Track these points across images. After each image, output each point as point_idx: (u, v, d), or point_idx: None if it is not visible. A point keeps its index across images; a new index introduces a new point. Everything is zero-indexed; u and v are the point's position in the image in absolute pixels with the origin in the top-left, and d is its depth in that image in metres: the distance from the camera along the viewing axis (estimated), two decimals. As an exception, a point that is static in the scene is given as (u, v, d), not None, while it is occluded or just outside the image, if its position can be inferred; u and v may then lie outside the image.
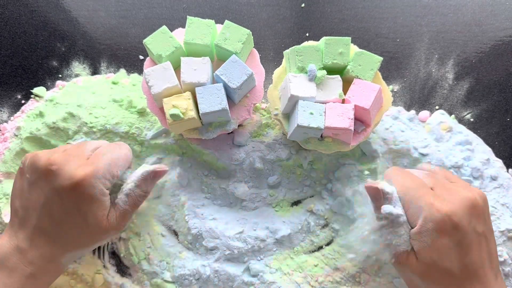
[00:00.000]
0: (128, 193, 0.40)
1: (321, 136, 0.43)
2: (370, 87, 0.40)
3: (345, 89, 0.42)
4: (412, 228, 0.36)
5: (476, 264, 0.34)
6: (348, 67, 0.42)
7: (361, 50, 0.42)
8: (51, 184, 0.36)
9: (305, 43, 0.43)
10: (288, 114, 0.44)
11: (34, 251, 0.37)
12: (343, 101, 0.42)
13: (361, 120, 0.42)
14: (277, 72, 0.46)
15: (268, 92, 0.45)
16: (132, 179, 0.40)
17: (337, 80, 0.42)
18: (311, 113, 0.40)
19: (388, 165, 0.48)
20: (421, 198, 0.36)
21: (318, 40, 0.55)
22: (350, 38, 0.42)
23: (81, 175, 0.36)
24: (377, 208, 0.38)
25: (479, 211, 0.36)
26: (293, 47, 0.42)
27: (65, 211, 0.37)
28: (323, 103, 0.41)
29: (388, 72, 0.54)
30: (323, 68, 0.42)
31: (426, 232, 0.35)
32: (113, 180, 0.39)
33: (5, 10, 0.57)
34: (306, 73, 0.42)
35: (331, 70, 0.42)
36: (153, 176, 0.41)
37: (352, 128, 0.40)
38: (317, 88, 0.41)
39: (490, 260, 0.36)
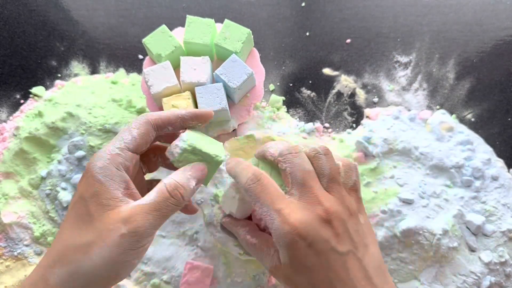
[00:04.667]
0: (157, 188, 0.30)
1: None
2: None
3: None
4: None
5: (347, 285, 0.30)
6: None
7: None
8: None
9: None
10: None
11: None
12: None
13: None
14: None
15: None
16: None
17: None
18: None
19: (389, 165, 0.48)
20: (273, 205, 0.31)
21: (318, 39, 0.55)
22: None
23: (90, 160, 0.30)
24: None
25: (338, 226, 0.31)
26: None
27: (71, 205, 0.30)
28: None
29: (388, 71, 0.54)
30: None
31: (279, 249, 0.31)
32: (126, 153, 0.30)
33: (4, 9, 0.57)
34: None
35: None
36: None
37: None
38: None
39: (368, 276, 0.31)
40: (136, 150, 0.31)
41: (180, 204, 0.30)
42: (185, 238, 0.47)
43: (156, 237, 0.47)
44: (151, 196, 0.29)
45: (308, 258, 0.30)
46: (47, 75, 0.55)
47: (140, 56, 0.55)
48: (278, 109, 0.53)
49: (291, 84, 0.54)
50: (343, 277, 0.30)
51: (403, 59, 0.54)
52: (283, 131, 0.50)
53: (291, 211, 0.31)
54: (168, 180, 0.30)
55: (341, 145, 0.50)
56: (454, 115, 0.52)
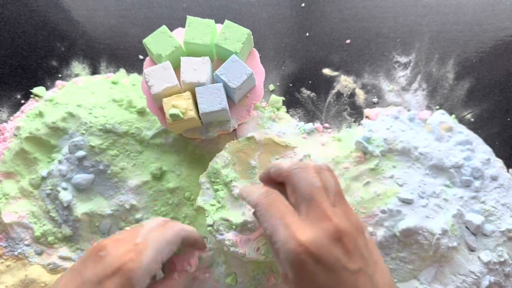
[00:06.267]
0: None
1: None
2: None
3: None
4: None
5: None
6: None
7: None
8: (95, 270, 0.32)
9: None
10: None
11: None
12: None
13: None
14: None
15: None
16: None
17: None
18: None
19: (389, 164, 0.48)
20: (281, 220, 0.31)
21: (318, 40, 0.55)
22: None
23: (125, 261, 0.32)
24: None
25: (348, 243, 0.30)
26: None
27: None
28: None
29: (388, 71, 0.54)
30: None
31: (285, 265, 0.30)
32: (157, 268, 0.34)
33: (5, 9, 0.57)
34: None
35: None
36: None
37: None
38: None
39: None
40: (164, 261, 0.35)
41: None
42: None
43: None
44: None
45: (317, 276, 0.29)
46: (47, 75, 0.55)
47: (141, 57, 0.55)
48: (278, 109, 0.53)
49: (291, 84, 0.54)
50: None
51: (403, 59, 0.55)
52: (283, 131, 0.51)
53: (299, 227, 0.30)
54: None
55: (340, 145, 0.50)
56: (453, 115, 0.52)
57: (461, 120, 0.52)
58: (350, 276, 0.29)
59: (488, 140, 0.51)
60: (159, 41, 0.43)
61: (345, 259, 0.29)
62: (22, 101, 0.54)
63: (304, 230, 0.30)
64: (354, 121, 0.52)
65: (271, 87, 0.54)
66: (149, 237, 0.34)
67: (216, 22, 0.44)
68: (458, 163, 0.47)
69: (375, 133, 0.49)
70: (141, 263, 0.32)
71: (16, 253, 0.47)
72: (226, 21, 0.43)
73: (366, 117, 0.52)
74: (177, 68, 0.43)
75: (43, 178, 0.48)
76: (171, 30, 0.44)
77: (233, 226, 0.40)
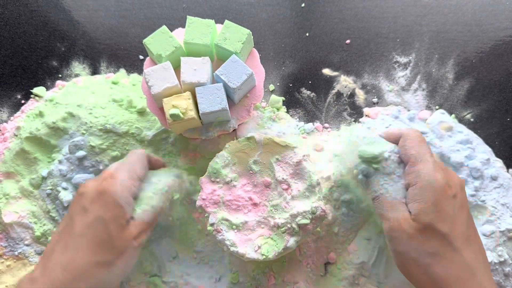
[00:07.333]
0: (146, 208, 0.38)
1: None
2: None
3: None
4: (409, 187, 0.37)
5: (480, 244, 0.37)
6: None
7: None
8: (79, 205, 0.36)
9: None
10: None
11: (45, 279, 0.34)
12: None
13: None
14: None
15: None
16: (151, 191, 0.39)
17: None
18: None
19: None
20: (427, 157, 0.37)
21: (318, 40, 0.55)
22: None
23: (102, 187, 0.36)
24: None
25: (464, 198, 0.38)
26: None
27: (86, 224, 0.35)
28: None
29: (388, 72, 0.54)
30: None
31: (428, 192, 0.35)
32: (136, 185, 0.38)
33: (5, 10, 0.57)
34: None
35: None
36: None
37: None
38: None
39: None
40: (142, 178, 0.40)
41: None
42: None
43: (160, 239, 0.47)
44: (148, 216, 0.38)
45: (453, 207, 0.35)
46: (48, 75, 0.55)
47: (141, 57, 0.55)
48: (278, 109, 0.53)
49: (291, 84, 0.54)
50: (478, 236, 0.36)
51: (403, 59, 0.55)
52: (283, 131, 0.51)
53: (440, 167, 0.37)
54: (152, 208, 0.39)
55: (339, 141, 0.50)
56: (453, 115, 0.52)
57: (461, 120, 0.52)
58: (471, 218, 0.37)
59: (487, 140, 0.51)
60: (159, 41, 0.43)
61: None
62: (23, 101, 0.54)
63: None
64: (354, 121, 0.53)
65: (271, 87, 0.54)
66: (114, 165, 0.39)
67: (216, 22, 0.44)
68: (458, 163, 0.47)
69: (374, 131, 0.49)
70: (116, 180, 0.36)
71: (16, 253, 0.47)
72: (226, 21, 0.43)
73: (366, 115, 0.52)
74: (177, 68, 0.43)
75: (44, 178, 0.48)
76: (171, 30, 0.44)
77: (233, 226, 0.40)
